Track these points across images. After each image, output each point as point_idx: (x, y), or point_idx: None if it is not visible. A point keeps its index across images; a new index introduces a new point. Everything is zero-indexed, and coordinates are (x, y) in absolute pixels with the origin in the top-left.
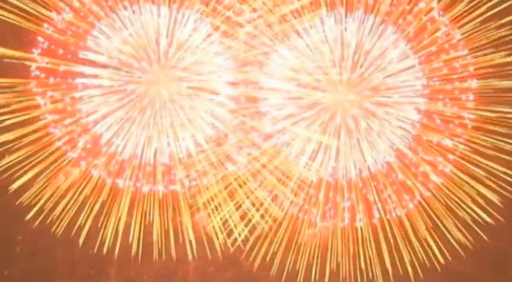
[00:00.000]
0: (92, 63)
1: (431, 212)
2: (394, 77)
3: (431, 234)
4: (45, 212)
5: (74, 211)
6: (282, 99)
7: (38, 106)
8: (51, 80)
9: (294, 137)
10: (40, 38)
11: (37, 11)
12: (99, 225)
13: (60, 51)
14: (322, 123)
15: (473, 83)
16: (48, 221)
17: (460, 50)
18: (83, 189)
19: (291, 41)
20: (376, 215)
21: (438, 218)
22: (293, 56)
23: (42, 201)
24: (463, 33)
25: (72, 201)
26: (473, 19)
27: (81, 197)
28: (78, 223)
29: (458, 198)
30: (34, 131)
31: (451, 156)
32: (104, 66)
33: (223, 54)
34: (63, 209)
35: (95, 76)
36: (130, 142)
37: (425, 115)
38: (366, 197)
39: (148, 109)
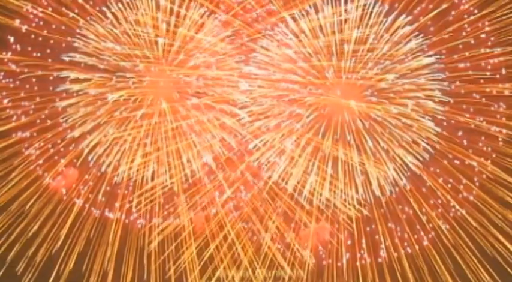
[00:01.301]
0: (77, 67)
1: (452, 249)
2: (406, 79)
3: (452, 277)
4: (12, 254)
5: (49, 252)
6: (266, 106)
7: (7, 120)
8: (25, 89)
9: (279, 154)
10: (11, 37)
11: (7, 2)
12: (82, 271)
13: (37, 53)
14: (313, 136)
15: (506, 88)
16: (17, 268)
17: (490, 46)
18: (62, 222)
19: (278, 35)
20: (382, 253)
21: (461, 257)
22: (281, 52)
23: (10, 240)
24: (493, 24)
25: (48, 240)
26: (506, 4)
27: (61, 234)
28: (55, 270)
29: (487, 231)
30: (1, 150)
31: (476, 180)
32: (91, 70)
33: (235, 54)
34: (36, 250)
35: (80, 82)
36: (123, 164)
37: (446, 128)
38: (371, 230)
39: (144, 122)
